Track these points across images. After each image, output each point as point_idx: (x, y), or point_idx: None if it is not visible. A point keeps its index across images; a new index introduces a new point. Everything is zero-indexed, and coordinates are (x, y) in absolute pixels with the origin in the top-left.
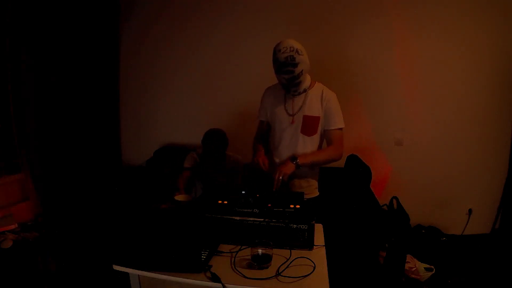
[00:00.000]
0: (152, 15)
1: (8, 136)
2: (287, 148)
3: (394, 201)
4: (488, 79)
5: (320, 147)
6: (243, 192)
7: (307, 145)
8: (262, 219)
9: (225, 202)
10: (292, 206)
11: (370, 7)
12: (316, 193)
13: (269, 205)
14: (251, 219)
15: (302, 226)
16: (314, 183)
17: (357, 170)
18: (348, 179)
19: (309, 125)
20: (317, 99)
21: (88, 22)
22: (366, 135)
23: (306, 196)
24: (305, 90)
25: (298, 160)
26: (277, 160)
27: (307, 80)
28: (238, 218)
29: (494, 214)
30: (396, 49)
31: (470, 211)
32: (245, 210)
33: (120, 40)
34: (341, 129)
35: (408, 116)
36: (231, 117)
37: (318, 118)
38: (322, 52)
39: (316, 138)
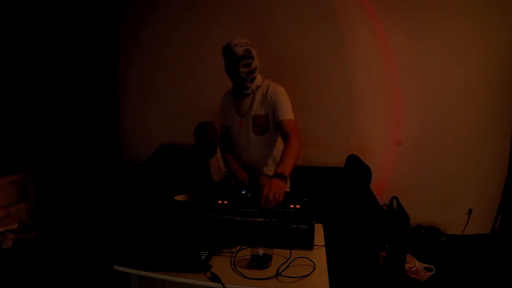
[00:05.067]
0: (152, 14)
1: (8, 136)
2: (244, 150)
3: (394, 201)
4: (488, 80)
5: (275, 143)
6: (243, 191)
7: (260, 145)
8: (262, 219)
9: (225, 202)
10: (292, 206)
11: (370, 10)
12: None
13: None
14: (251, 219)
15: (302, 226)
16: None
17: (357, 170)
18: (348, 179)
19: (258, 124)
20: (263, 96)
21: (87, 21)
22: (366, 135)
23: None
24: (257, 88)
25: (284, 173)
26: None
27: (258, 79)
28: (238, 218)
29: (494, 214)
30: (396, 50)
31: (470, 211)
32: (245, 210)
33: (119, 39)
34: (292, 120)
35: (408, 116)
36: None
37: (265, 115)
38: (323, 52)
39: (269, 136)
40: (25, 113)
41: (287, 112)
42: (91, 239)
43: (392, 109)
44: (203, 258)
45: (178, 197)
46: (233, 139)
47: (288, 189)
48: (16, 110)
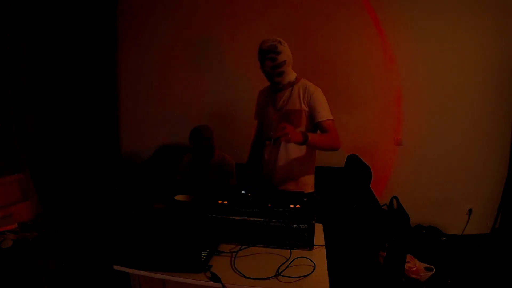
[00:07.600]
0: (152, 14)
1: (8, 136)
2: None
3: (394, 201)
4: (488, 80)
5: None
6: (243, 191)
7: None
8: (262, 219)
9: (225, 202)
10: (292, 206)
11: (370, 9)
12: (312, 190)
13: (269, 205)
14: (251, 218)
15: (302, 226)
16: (311, 181)
17: (357, 170)
18: (348, 179)
19: (291, 119)
20: (300, 93)
21: (86, 21)
22: (366, 135)
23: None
24: (290, 84)
25: (307, 135)
26: (266, 157)
27: (291, 74)
28: (238, 217)
29: (494, 214)
30: (396, 50)
31: (470, 211)
32: (245, 210)
33: (119, 39)
34: (331, 120)
35: (408, 116)
36: (229, 118)
37: (300, 111)
38: (323, 51)
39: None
40: (25, 113)
41: (326, 114)
42: (91, 239)
43: (392, 109)
44: (203, 258)
45: (178, 197)
46: (266, 133)
47: (312, 188)
48: (16, 109)
